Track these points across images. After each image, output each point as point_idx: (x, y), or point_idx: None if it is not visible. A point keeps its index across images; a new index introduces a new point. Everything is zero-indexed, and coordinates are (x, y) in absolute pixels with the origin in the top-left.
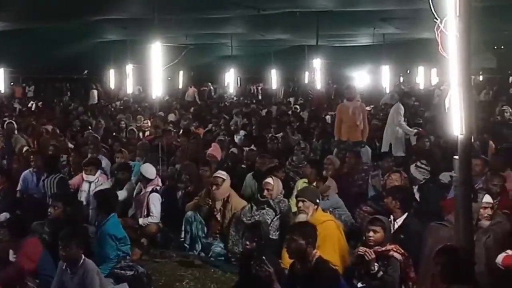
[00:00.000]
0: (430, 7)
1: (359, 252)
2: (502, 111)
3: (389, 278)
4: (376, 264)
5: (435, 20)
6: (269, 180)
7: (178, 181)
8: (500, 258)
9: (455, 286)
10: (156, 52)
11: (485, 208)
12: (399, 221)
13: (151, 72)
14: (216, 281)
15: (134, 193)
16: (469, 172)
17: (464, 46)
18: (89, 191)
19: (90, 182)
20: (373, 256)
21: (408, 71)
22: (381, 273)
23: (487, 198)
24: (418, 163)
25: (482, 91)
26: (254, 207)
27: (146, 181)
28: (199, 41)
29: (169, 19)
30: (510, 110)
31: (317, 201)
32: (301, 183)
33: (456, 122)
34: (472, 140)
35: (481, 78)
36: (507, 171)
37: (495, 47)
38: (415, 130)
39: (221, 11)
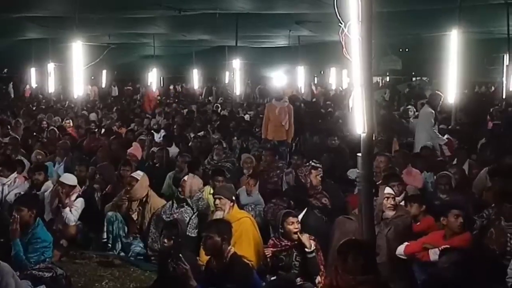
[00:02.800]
0: (335, 12)
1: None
2: (407, 110)
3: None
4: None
5: (339, 24)
6: (184, 177)
7: (95, 182)
8: (401, 248)
9: (360, 277)
10: (78, 51)
11: (387, 198)
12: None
13: (72, 71)
14: (135, 280)
15: (48, 198)
16: (371, 169)
17: (366, 49)
18: (3, 193)
19: (3, 184)
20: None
21: (321, 72)
22: (313, 254)
23: (388, 190)
24: (313, 163)
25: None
26: (175, 205)
27: (69, 188)
28: (122, 41)
29: (91, 18)
30: (414, 109)
31: (233, 198)
32: (207, 191)
33: (359, 121)
34: (376, 138)
35: (388, 79)
36: (408, 166)
37: (400, 50)
38: (445, 139)
39: (143, 11)
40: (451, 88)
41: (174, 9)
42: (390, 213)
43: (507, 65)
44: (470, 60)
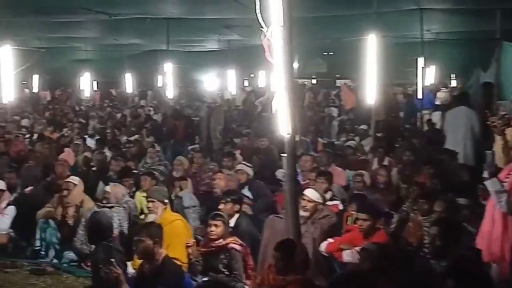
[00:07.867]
0: (257, 17)
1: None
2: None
3: (236, 273)
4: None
5: (261, 29)
6: (107, 188)
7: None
8: (323, 245)
9: (289, 278)
10: (6, 55)
11: (303, 200)
12: (232, 221)
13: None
14: (68, 287)
15: None
16: (294, 168)
17: (288, 53)
18: None
19: None
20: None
21: (251, 75)
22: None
23: (306, 192)
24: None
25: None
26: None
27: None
28: (52, 45)
29: (17, 21)
30: (334, 110)
31: (166, 201)
32: (138, 195)
33: (283, 123)
34: (301, 139)
35: (314, 81)
36: (332, 165)
37: (325, 53)
38: None
39: (72, 16)
40: (371, 89)
41: (104, 13)
42: (303, 214)
43: (422, 67)
44: (388, 63)
